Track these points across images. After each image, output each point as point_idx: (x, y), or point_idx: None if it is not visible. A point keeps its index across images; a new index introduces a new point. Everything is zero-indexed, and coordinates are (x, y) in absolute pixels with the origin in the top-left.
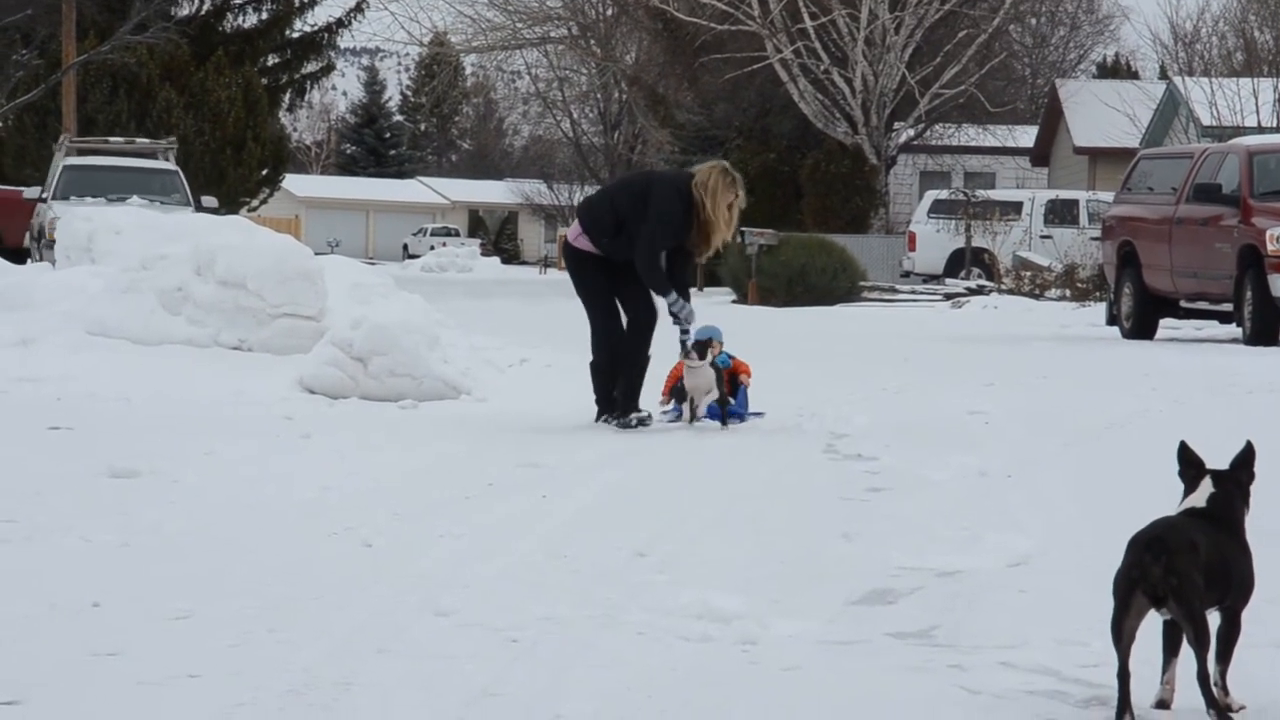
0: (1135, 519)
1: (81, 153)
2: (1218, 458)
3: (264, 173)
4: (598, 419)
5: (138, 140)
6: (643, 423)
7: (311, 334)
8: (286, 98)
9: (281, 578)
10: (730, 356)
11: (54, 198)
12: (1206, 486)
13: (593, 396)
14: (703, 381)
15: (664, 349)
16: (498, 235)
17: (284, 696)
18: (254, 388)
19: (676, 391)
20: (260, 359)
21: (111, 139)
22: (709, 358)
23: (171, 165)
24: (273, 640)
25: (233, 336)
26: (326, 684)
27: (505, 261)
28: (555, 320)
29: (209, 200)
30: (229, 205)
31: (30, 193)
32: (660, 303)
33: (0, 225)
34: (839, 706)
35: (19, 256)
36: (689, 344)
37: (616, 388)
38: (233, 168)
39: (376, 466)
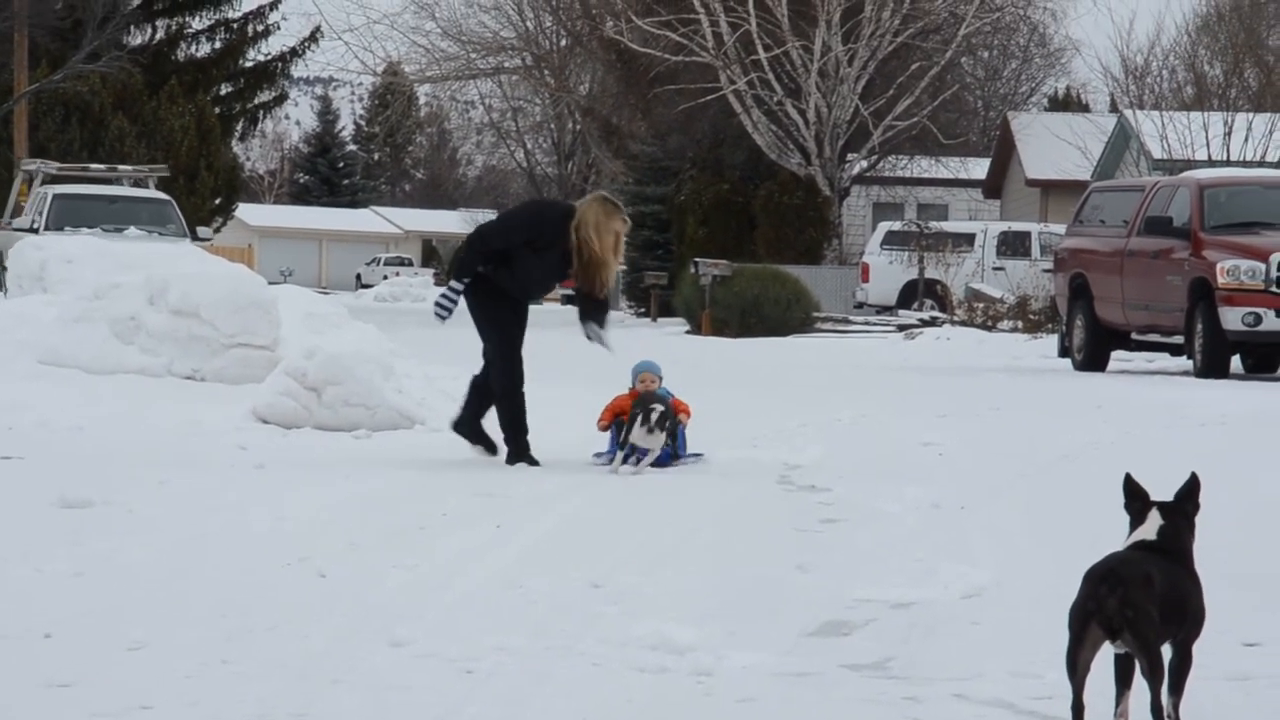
0: (1089, 550)
1: (59, 180)
2: (1168, 490)
3: (217, 202)
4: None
5: (121, 168)
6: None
7: (265, 364)
8: (239, 127)
9: (236, 608)
10: (669, 393)
11: (46, 228)
12: (1155, 519)
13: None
14: (653, 444)
15: (603, 375)
16: (450, 265)
17: None
18: (208, 417)
19: (618, 427)
20: (214, 389)
21: (93, 166)
22: (663, 435)
23: (163, 195)
24: (228, 671)
25: (186, 366)
26: (283, 715)
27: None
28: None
29: (204, 231)
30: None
31: (20, 222)
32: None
33: None
34: None
35: None
36: (653, 417)
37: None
38: (186, 197)
39: (331, 496)
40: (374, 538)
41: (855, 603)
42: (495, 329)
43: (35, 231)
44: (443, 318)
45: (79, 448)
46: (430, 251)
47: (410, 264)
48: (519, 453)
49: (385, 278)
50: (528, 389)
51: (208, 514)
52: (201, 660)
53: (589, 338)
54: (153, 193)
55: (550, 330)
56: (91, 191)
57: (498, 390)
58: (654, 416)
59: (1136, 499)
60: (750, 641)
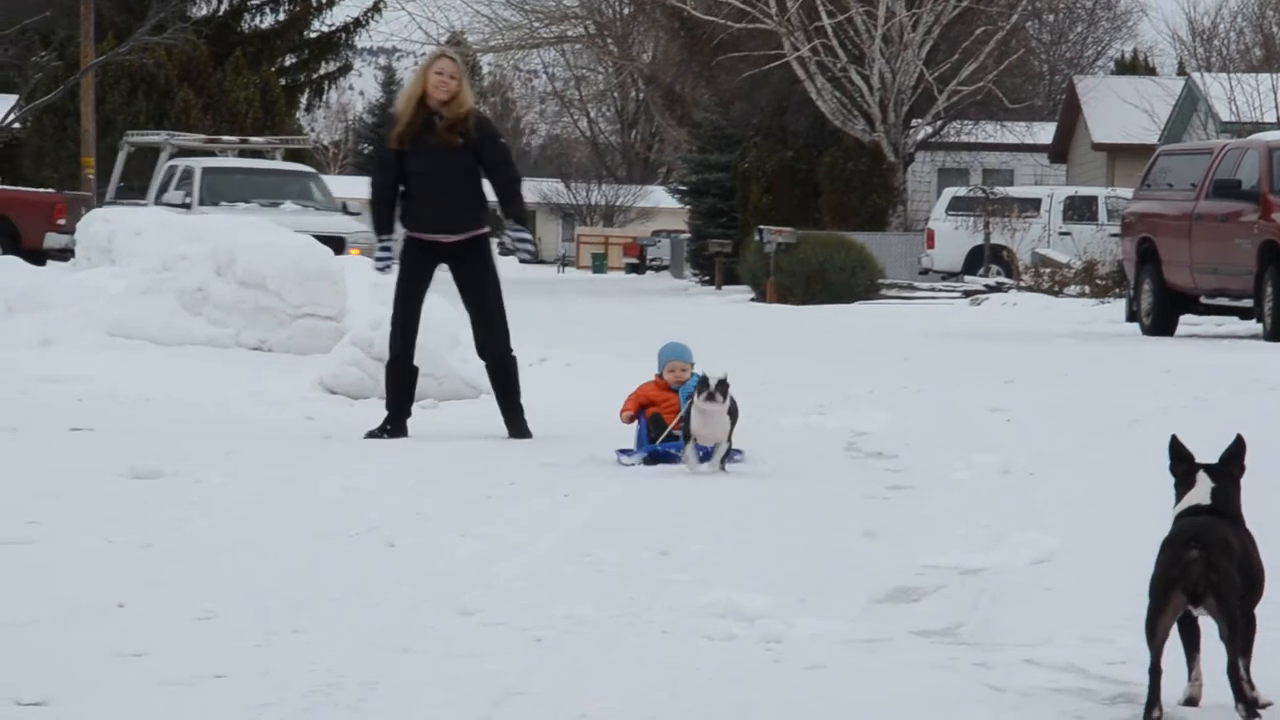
0: (1158, 516)
1: (184, 154)
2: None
3: None
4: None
5: (254, 140)
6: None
7: (332, 334)
8: (304, 98)
9: (305, 578)
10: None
11: (199, 204)
12: (1205, 482)
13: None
14: (717, 429)
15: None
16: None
17: (309, 696)
18: (275, 388)
19: (656, 422)
20: (281, 359)
21: (225, 137)
22: (727, 400)
23: (308, 168)
24: (298, 640)
25: (253, 337)
26: (352, 684)
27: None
28: (574, 319)
29: (354, 206)
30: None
31: (171, 198)
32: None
33: (19, 227)
34: (863, 705)
35: (37, 258)
36: (712, 380)
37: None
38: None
39: (398, 466)
40: (441, 507)
41: (924, 569)
42: (397, 287)
43: (188, 208)
44: (385, 268)
45: (147, 419)
46: (494, 221)
47: None
48: (384, 424)
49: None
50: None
51: (275, 484)
52: (271, 629)
53: (511, 247)
54: (299, 166)
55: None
56: (241, 166)
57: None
58: (713, 382)
59: (1182, 461)
60: (819, 609)
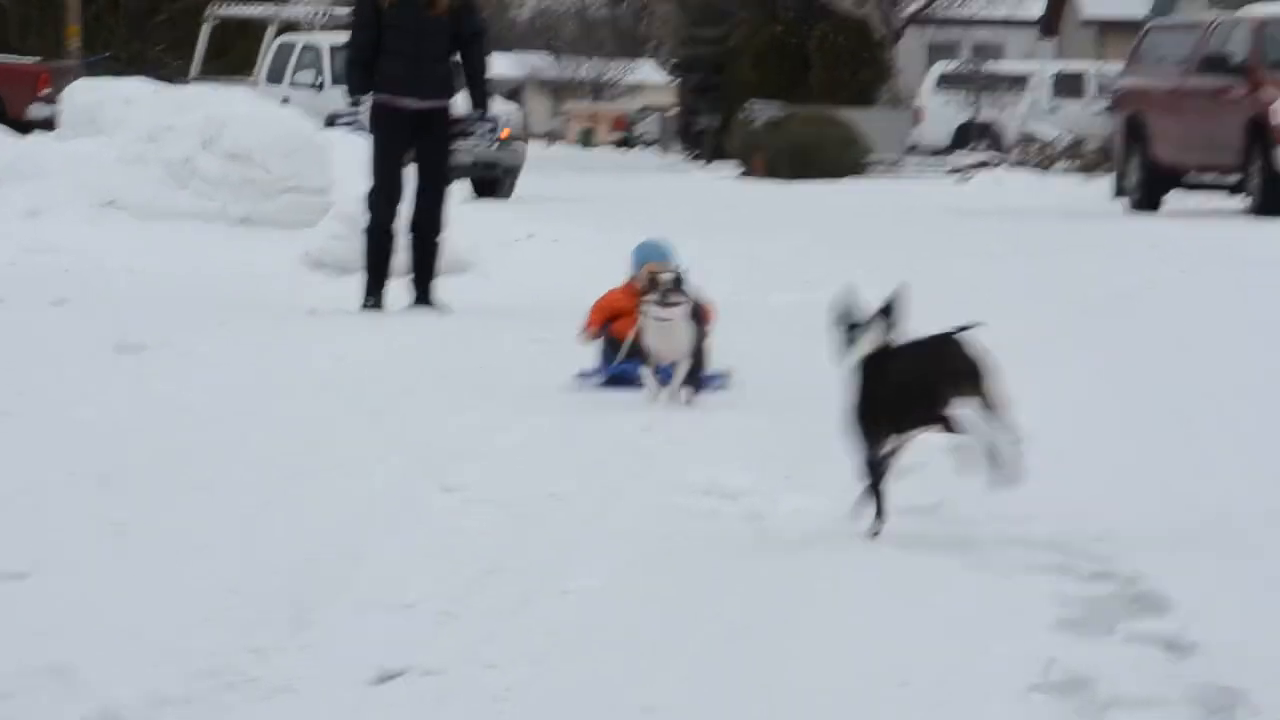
0: (1145, 391)
1: (287, 29)
2: (1221, 327)
3: None
4: (365, 304)
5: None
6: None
7: (318, 209)
8: None
9: (292, 450)
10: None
11: (332, 83)
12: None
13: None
14: (676, 343)
15: (601, 268)
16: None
17: (293, 569)
18: (261, 261)
19: (611, 342)
20: (267, 233)
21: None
22: (683, 305)
23: None
24: (283, 513)
25: (240, 210)
26: (336, 555)
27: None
28: (562, 194)
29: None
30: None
31: (303, 77)
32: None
33: (3, 97)
34: (845, 581)
35: (22, 129)
36: (662, 278)
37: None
38: (241, 39)
39: (386, 340)
40: (429, 382)
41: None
42: (373, 149)
43: (320, 89)
44: (351, 128)
45: (135, 291)
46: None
47: None
48: (366, 295)
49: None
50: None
51: (263, 356)
52: (258, 502)
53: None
54: None
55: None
56: None
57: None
58: (665, 279)
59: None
60: (804, 486)
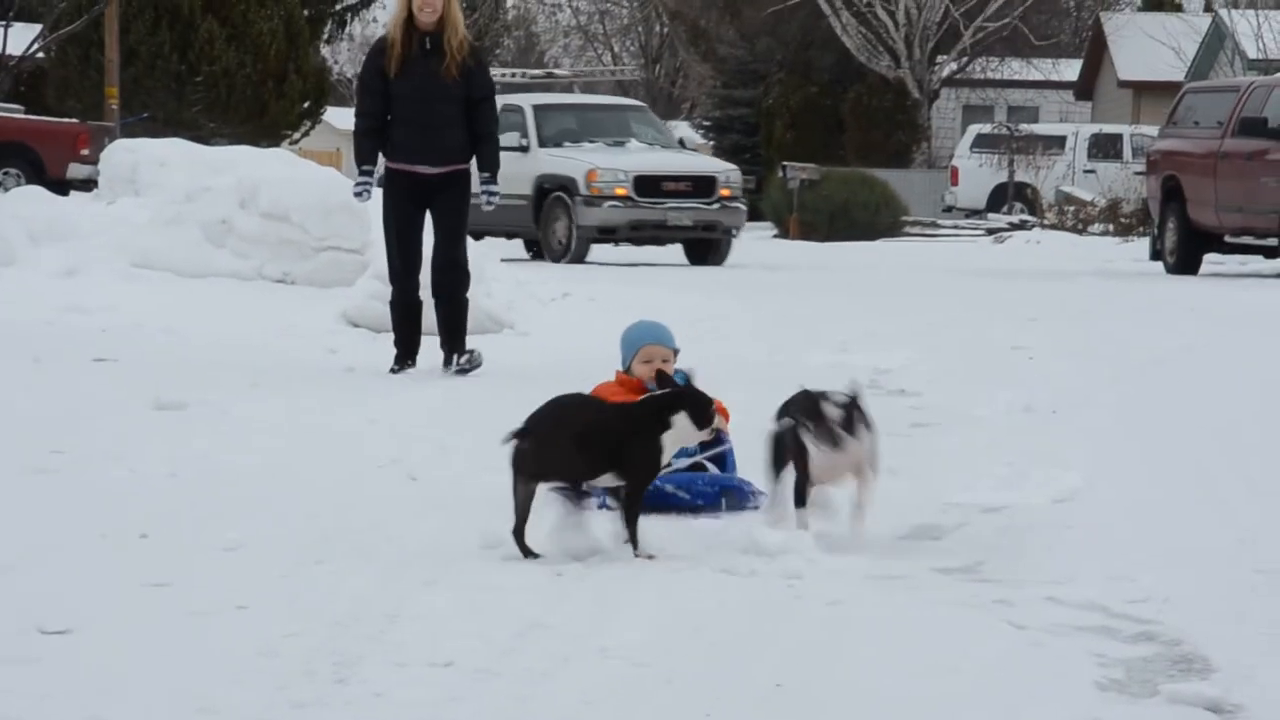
0: (1182, 455)
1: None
2: (1260, 390)
3: (305, 105)
4: (397, 367)
5: (558, 72)
6: (475, 364)
7: (355, 267)
8: (327, 30)
9: (330, 509)
10: (686, 376)
11: (539, 145)
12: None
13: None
14: (848, 461)
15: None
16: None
17: (333, 627)
18: (299, 320)
19: None
20: (304, 292)
21: (527, 71)
22: (864, 434)
23: (639, 101)
24: (322, 571)
25: (277, 269)
26: (376, 614)
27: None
28: (598, 256)
29: (691, 138)
30: (271, 139)
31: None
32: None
33: (44, 156)
34: (885, 639)
35: (61, 188)
36: (835, 404)
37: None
38: (274, 100)
39: (422, 399)
40: (465, 440)
41: (946, 507)
42: (387, 224)
43: (525, 150)
44: (362, 196)
45: (172, 350)
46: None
47: None
48: (395, 362)
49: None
50: None
51: (300, 416)
52: (296, 560)
53: (485, 199)
54: (629, 100)
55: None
56: (573, 102)
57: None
58: (830, 408)
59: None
60: (841, 545)
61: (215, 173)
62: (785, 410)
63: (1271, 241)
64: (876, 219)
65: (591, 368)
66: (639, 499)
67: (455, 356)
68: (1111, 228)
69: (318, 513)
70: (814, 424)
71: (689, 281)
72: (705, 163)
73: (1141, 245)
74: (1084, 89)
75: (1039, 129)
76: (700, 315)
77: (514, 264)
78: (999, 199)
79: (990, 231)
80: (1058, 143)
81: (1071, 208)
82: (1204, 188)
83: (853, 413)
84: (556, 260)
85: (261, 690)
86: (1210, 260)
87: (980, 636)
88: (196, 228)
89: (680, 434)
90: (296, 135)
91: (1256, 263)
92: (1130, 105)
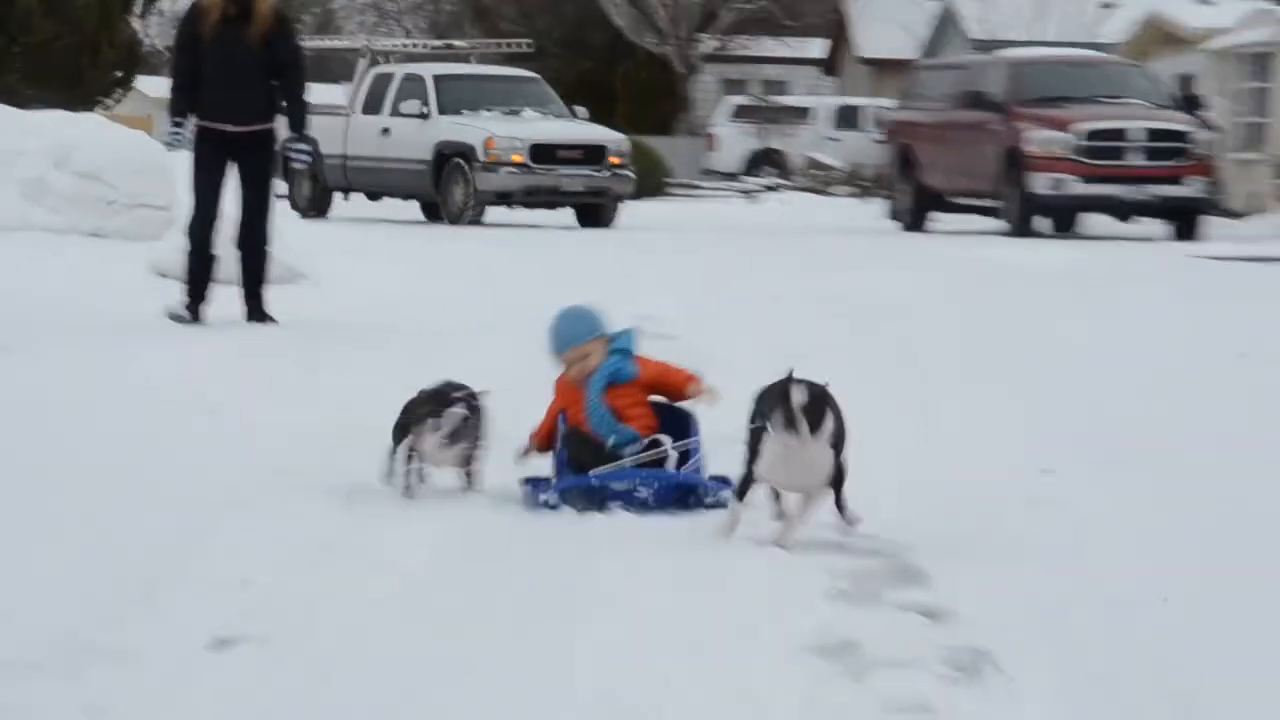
0: (909, 393)
1: (382, 59)
2: (988, 336)
3: (118, 74)
4: (183, 315)
5: (457, 44)
6: (272, 318)
7: (162, 222)
8: (139, 4)
9: (136, 447)
10: (625, 356)
11: (439, 113)
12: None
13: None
14: (814, 472)
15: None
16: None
17: (142, 551)
18: (109, 271)
19: (572, 436)
20: (115, 245)
21: (418, 41)
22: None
23: (532, 73)
24: (131, 503)
25: (89, 224)
26: (181, 540)
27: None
28: (393, 211)
29: (580, 110)
30: (86, 105)
31: (408, 108)
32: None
33: None
34: (638, 556)
35: None
36: (795, 397)
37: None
38: (90, 69)
39: (221, 343)
40: (261, 382)
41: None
42: (193, 172)
43: (425, 117)
44: (172, 146)
45: None
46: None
47: None
48: (185, 309)
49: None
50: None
51: (108, 359)
52: (108, 494)
53: (288, 153)
54: (526, 72)
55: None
56: (472, 73)
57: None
58: (798, 397)
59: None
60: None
61: (29, 135)
62: (759, 403)
63: (992, 202)
64: (645, 182)
65: (381, 317)
66: None
67: (255, 306)
68: (853, 190)
69: (123, 451)
70: (777, 411)
71: (479, 237)
72: (596, 132)
73: (879, 206)
74: (830, 65)
75: (789, 101)
76: (486, 267)
77: (313, 221)
78: (754, 163)
79: (745, 193)
80: (806, 114)
81: (818, 172)
82: (933, 154)
83: (822, 408)
84: (454, 223)
85: (75, 608)
86: (939, 219)
87: (725, 554)
88: (14, 186)
89: None
90: (110, 102)
91: (980, 221)
92: (870, 80)
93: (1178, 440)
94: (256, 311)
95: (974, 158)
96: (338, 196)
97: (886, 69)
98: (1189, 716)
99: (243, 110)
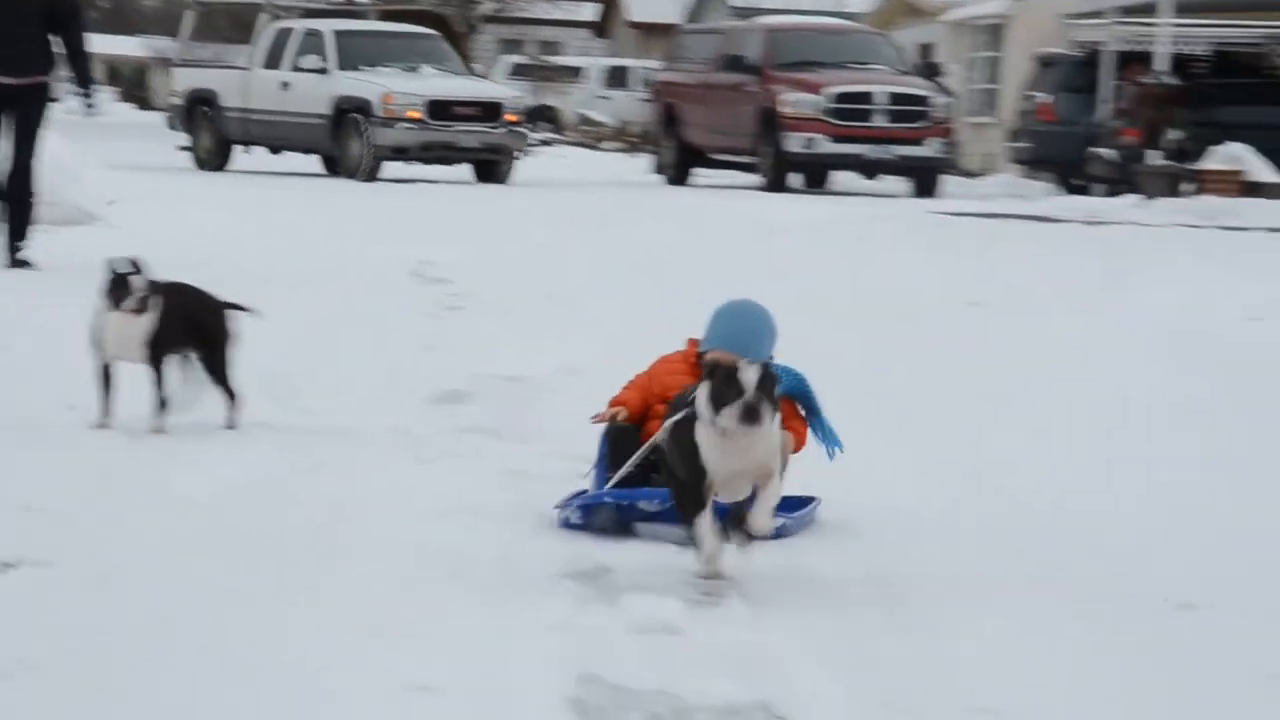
0: (671, 331)
1: (283, 14)
2: (726, 281)
3: None
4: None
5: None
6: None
7: None
8: None
9: None
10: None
11: (338, 68)
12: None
13: None
14: (751, 460)
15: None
16: (132, 85)
17: None
18: None
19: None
20: None
21: None
22: (771, 418)
23: (432, 30)
24: None
25: None
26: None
27: (140, 109)
28: (180, 156)
29: (477, 67)
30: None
31: (309, 63)
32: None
33: None
34: (407, 489)
35: None
36: (747, 379)
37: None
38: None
39: (14, 282)
40: (40, 317)
41: (472, 376)
42: None
43: (325, 72)
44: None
45: None
46: (113, 73)
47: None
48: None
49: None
50: None
51: None
52: None
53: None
54: (424, 29)
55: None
56: (372, 29)
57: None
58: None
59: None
60: (382, 409)
61: None
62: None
63: (748, 159)
64: None
65: (172, 258)
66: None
67: (16, 250)
68: (622, 145)
69: None
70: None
71: (305, 186)
72: (492, 89)
73: (646, 160)
74: (601, 28)
75: (563, 61)
76: (286, 215)
77: (106, 163)
78: (529, 119)
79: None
80: (578, 73)
81: (589, 128)
82: (695, 113)
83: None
84: (351, 176)
85: None
86: (700, 174)
87: (484, 484)
88: None
89: None
90: (480, 68)
91: (738, 176)
92: (638, 43)
93: (905, 381)
94: (17, 256)
95: (732, 117)
96: (238, 150)
97: (653, 33)
98: (917, 649)
99: (19, 63)
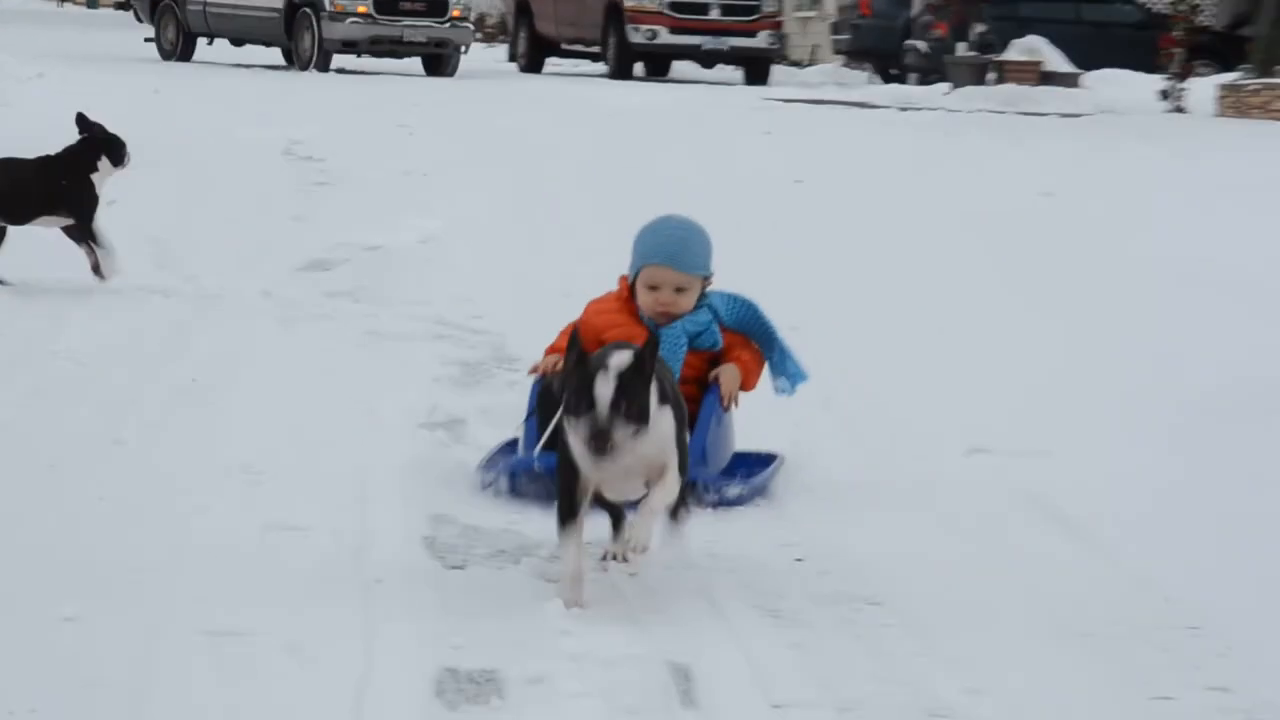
0: (516, 200)
1: None
2: (574, 162)
3: None
4: None
5: None
6: None
7: None
8: None
9: None
10: (713, 318)
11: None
12: None
13: None
14: (636, 458)
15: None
16: None
17: None
18: None
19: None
20: None
21: None
22: (639, 424)
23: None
24: None
25: None
26: None
27: (121, 8)
28: (68, 44)
29: None
30: None
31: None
32: None
33: None
34: (275, 355)
35: None
36: (601, 393)
37: None
38: None
39: None
40: None
41: (335, 245)
42: None
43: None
44: None
45: None
46: None
47: None
48: None
49: None
50: None
51: None
52: None
53: None
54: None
55: None
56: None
57: None
58: (595, 422)
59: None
60: (252, 276)
61: None
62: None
63: (595, 49)
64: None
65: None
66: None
67: None
68: (479, 35)
69: None
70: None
71: (230, 75)
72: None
73: (501, 50)
74: None
75: None
76: (173, 97)
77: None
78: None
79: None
80: None
81: None
82: (547, 5)
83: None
84: (304, 69)
85: None
86: (551, 63)
87: (347, 344)
88: None
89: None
90: None
91: (585, 65)
92: None
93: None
94: None
95: (581, 10)
96: (201, 41)
97: None
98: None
99: None
